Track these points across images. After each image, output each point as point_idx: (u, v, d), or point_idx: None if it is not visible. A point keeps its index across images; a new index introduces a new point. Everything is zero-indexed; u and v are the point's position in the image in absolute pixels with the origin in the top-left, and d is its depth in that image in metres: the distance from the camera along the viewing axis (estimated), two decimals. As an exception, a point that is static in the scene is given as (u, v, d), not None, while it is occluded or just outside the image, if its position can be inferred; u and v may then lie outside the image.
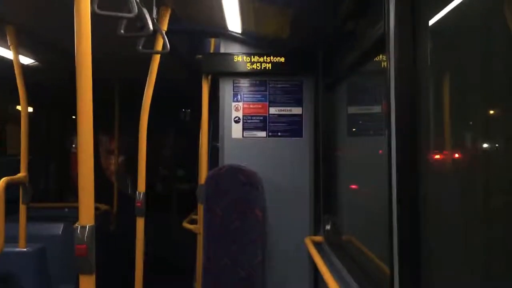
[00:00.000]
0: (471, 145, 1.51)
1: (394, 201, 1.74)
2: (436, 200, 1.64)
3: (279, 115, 3.87)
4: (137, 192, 3.06)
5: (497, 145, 1.36)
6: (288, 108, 3.86)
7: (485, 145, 1.42)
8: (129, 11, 2.15)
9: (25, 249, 3.62)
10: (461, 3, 1.48)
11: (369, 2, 2.34)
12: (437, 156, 1.72)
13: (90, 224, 1.62)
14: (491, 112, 1.41)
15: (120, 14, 2.17)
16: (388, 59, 1.80)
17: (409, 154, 1.69)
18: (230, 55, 3.80)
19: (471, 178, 1.49)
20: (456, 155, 1.61)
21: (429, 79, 1.70)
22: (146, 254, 3.15)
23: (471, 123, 1.50)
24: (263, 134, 3.86)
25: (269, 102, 3.87)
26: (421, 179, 1.66)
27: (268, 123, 3.86)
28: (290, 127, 3.86)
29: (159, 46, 2.85)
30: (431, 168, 1.70)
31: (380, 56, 2.29)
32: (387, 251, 1.78)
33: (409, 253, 1.67)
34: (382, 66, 1.96)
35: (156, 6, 2.77)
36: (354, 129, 3.23)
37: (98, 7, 1.96)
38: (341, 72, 3.18)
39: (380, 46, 1.92)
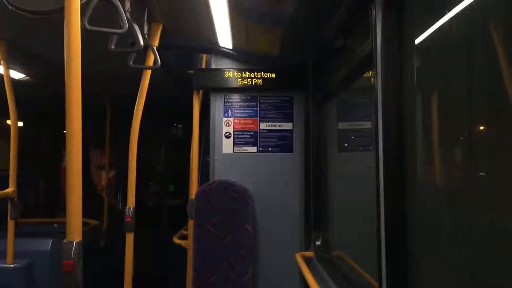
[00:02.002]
0: (458, 160, 1.53)
1: (382, 216, 1.75)
2: (423, 214, 1.66)
3: (270, 131, 3.88)
4: (126, 208, 3.04)
5: (483, 160, 1.37)
6: (279, 124, 3.88)
7: (472, 160, 1.44)
8: (120, 27, 2.17)
9: (12, 265, 3.58)
10: (446, 22, 1.51)
11: (357, 20, 2.37)
12: (424, 171, 1.73)
13: (77, 240, 1.61)
14: (477, 128, 1.43)
15: (110, 30, 2.18)
16: (376, 75, 1.83)
17: (396, 169, 1.70)
18: (221, 70, 3.82)
19: (457, 193, 1.50)
20: (443, 170, 1.62)
21: (415, 96, 1.73)
22: (135, 269, 3.12)
23: (457, 138, 1.52)
24: (253, 149, 3.87)
25: (260, 117, 3.88)
26: (408, 193, 1.67)
27: (259, 138, 3.87)
28: (281, 143, 3.87)
29: (150, 62, 2.87)
30: (418, 183, 1.72)
31: (370, 73, 2.32)
32: (376, 266, 1.79)
33: (397, 269, 1.68)
34: (371, 82, 1.99)
35: (148, 22, 2.79)
36: (344, 145, 3.25)
37: (89, 23, 1.98)
38: (331, 88, 3.21)
39: (368, 63, 1.96)
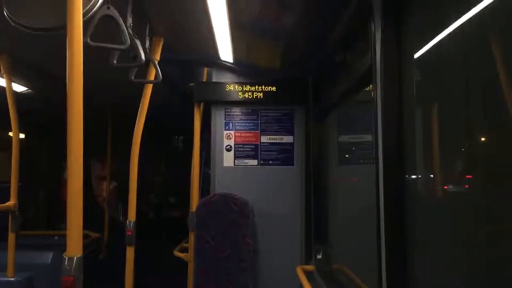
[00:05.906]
0: (458, 172, 1.53)
1: (382, 229, 1.75)
2: (424, 227, 1.65)
3: (271, 144, 3.89)
4: (127, 221, 3.03)
5: (481, 172, 1.37)
6: (280, 137, 3.89)
7: (471, 174, 1.44)
8: (122, 42, 2.18)
9: (13, 279, 3.55)
10: (445, 36, 1.53)
11: (357, 35, 2.39)
12: (425, 184, 1.74)
13: (78, 256, 1.60)
14: (475, 139, 1.43)
15: (112, 46, 2.20)
16: (375, 89, 1.84)
17: (396, 182, 1.71)
18: (222, 84, 3.84)
19: (457, 207, 1.50)
20: (443, 182, 1.63)
21: (415, 109, 1.74)
22: (136, 282, 3.10)
23: (456, 150, 1.52)
24: (254, 162, 3.88)
25: (261, 130, 3.90)
26: (408, 206, 1.68)
27: (260, 151, 3.88)
28: (281, 156, 3.88)
29: (151, 76, 2.88)
30: (419, 196, 1.72)
31: (369, 87, 2.33)
32: (377, 280, 1.78)
33: (398, 283, 1.67)
34: (371, 95, 2.00)
35: (149, 36, 2.81)
36: (344, 158, 3.25)
37: (91, 39, 1.99)
38: (331, 102, 3.22)
39: (368, 77, 1.97)
